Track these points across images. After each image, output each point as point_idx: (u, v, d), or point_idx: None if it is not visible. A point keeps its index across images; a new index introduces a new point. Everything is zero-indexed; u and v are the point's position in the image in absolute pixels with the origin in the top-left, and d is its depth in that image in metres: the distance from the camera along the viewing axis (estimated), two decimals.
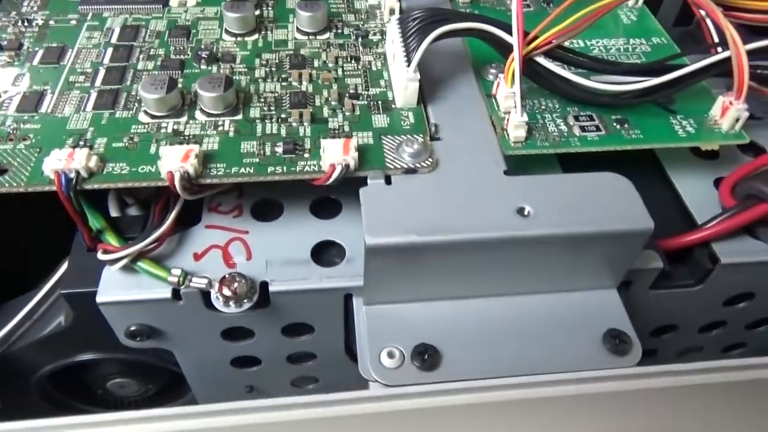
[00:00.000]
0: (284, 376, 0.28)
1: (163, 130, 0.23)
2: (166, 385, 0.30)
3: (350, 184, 0.23)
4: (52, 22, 0.28)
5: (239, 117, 0.24)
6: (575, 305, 0.23)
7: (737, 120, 0.26)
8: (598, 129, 0.25)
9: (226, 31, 0.28)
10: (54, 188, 0.21)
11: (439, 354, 0.22)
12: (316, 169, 0.22)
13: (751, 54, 0.26)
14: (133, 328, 0.23)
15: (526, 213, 0.21)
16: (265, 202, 0.26)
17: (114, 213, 0.25)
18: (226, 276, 0.22)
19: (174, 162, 0.21)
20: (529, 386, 0.21)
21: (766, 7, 0.29)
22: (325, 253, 0.24)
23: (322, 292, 0.23)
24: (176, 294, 0.22)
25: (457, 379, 0.21)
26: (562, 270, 0.23)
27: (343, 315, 0.24)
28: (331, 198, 0.26)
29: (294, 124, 0.24)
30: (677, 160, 0.29)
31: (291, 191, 0.26)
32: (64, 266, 0.24)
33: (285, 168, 0.22)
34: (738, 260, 0.25)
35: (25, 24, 0.28)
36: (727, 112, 0.25)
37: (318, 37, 0.28)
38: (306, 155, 0.23)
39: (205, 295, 0.22)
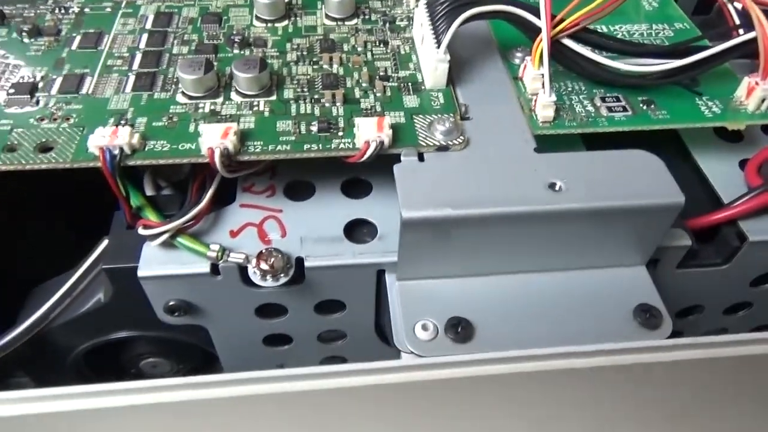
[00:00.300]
0: (314, 355, 0.29)
1: (200, 110, 0.24)
2: (197, 365, 0.31)
3: (380, 165, 0.23)
4: (87, 10, 0.29)
5: (273, 98, 0.24)
6: (605, 281, 0.24)
7: (764, 100, 0.26)
8: (624, 110, 0.26)
9: (257, 18, 0.28)
10: (99, 164, 0.21)
11: (473, 327, 0.22)
12: (351, 146, 0.23)
13: None
14: (171, 303, 0.24)
15: (557, 188, 0.22)
16: (297, 183, 0.26)
17: (149, 193, 0.26)
18: (263, 251, 0.23)
19: (214, 139, 0.21)
20: (562, 357, 0.21)
21: None
22: (357, 231, 0.25)
23: (356, 268, 0.23)
24: (215, 269, 0.23)
25: (490, 351, 0.21)
26: (592, 246, 0.23)
27: (374, 293, 0.25)
28: (360, 179, 0.26)
29: (327, 105, 0.24)
30: (702, 143, 0.29)
31: (322, 172, 0.26)
32: (104, 244, 0.24)
33: (321, 145, 0.23)
34: (766, 238, 0.25)
35: (62, 11, 0.28)
36: (753, 92, 0.26)
37: (346, 23, 0.29)
38: (340, 133, 0.23)
39: (243, 270, 0.23)
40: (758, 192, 0.25)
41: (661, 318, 0.22)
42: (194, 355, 0.29)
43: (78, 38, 0.27)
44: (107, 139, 0.21)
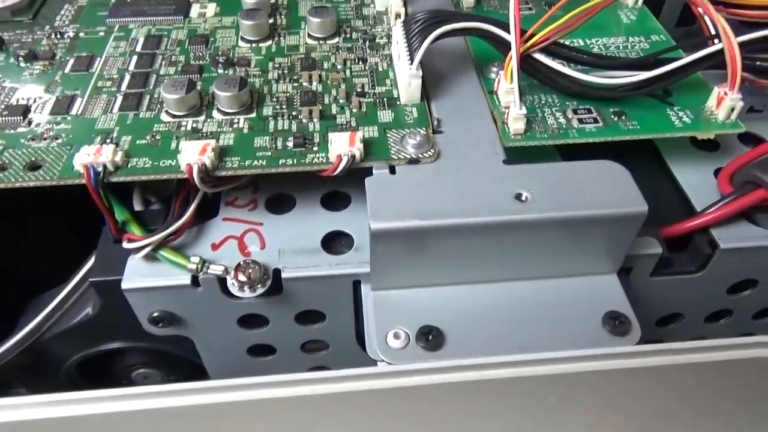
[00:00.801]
0: (299, 365, 0.29)
1: (182, 128, 0.25)
2: (188, 376, 0.32)
3: (359, 178, 0.24)
4: (82, 34, 0.30)
5: (253, 115, 0.25)
6: (575, 290, 0.24)
7: (733, 110, 0.26)
8: (596, 121, 0.26)
9: (242, 38, 0.30)
10: (83, 181, 0.22)
11: (443, 335, 0.23)
12: (325, 160, 0.24)
13: (747, 46, 0.26)
14: (155, 314, 0.25)
15: (523, 198, 0.22)
16: (278, 196, 0.27)
17: (138, 208, 0.27)
18: (241, 263, 0.23)
19: (192, 155, 0.22)
20: (530, 364, 0.21)
21: (763, 2, 0.30)
22: (335, 243, 0.25)
23: (332, 279, 0.24)
24: (195, 280, 0.24)
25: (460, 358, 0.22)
26: (560, 255, 0.24)
27: (353, 303, 0.26)
28: (340, 192, 0.27)
29: (304, 121, 0.25)
30: (678, 153, 0.29)
31: (303, 186, 0.27)
32: (93, 259, 0.25)
33: (295, 160, 0.24)
34: (737, 245, 0.25)
35: (58, 36, 0.30)
36: (723, 102, 0.26)
37: (328, 42, 0.30)
38: (315, 148, 0.24)
39: (222, 281, 0.24)
40: (729, 200, 0.25)
41: (630, 325, 0.23)
42: (183, 366, 0.30)
43: (71, 61, 0.28)
44: (91, 157, 0.22)
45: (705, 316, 0.29)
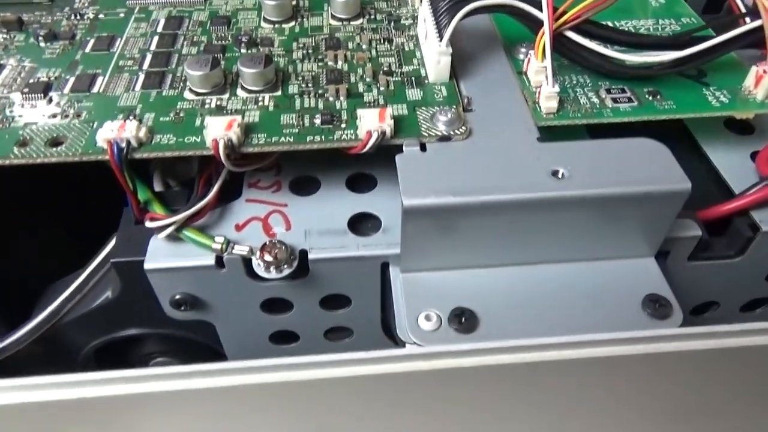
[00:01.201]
0: (322, 353, 0.28)
1: (207, 106, 0.24)
2: None
3: (384, 160, 0.23)
4: (102, 16, 0.30)
5: (278, 93, 0.25)
6: (613, 272, 0.23)
7: None
8: (630, 101, 0.26)
9: (265, 19, 0.29)
10: (107, 157, 0.22)
11: (477, 317, 0.22)
12: (354, 137, 0.23)
13: None
14: (177, 297, 0.24)
15: (560, 175, 0.21)
16: (302, 178, 0.26)
17: (158, 190, 0.26)
18: (267, 243, 0.23)
19: (218, 130, 0.22)
20: (568, 347, 0.21)
21: None
22: (361, 225, 0.25)
23: (360, 260, 0.23)
24: (219, 261, 0.23)
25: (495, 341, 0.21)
26: (598, 236, 0.23)
27: (380, 288, 0.25)
28: (365, 174, 0.26)
29: (331, 99, 0.25)
30: (712, 135, 0.29)
31: (327, 167, 0.26)
32: (113, 241, 0.25)
33: (323, 137, 0.23)
34: None
35: (78, 17, 0.29)
36: (762, 80, 0.25)
37: (352, 23, 0.29)
38: (343, 125, 0.23)
39: (247, 262, 0.23)
40: None
41: (671, 308, 0.22)
42: (204, 353, 0.29)
43: (92, 42, 0.28)
44: (115, 132, 0.22)
45: (741, 305, 0.28)
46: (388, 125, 0.22)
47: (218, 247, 0.23)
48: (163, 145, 0.22)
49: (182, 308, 0.24)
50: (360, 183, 0.26)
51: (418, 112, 0.24)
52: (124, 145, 0.22)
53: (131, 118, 0.23)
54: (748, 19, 0.26)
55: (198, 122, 0.23)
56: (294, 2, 0.30)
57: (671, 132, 0.26)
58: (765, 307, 0.29)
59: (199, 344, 0.28)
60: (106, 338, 0.28)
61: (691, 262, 0.25)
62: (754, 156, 0.27)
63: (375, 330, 0.27)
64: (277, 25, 0.29)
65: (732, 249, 0.25)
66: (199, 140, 0.22)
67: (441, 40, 0.25)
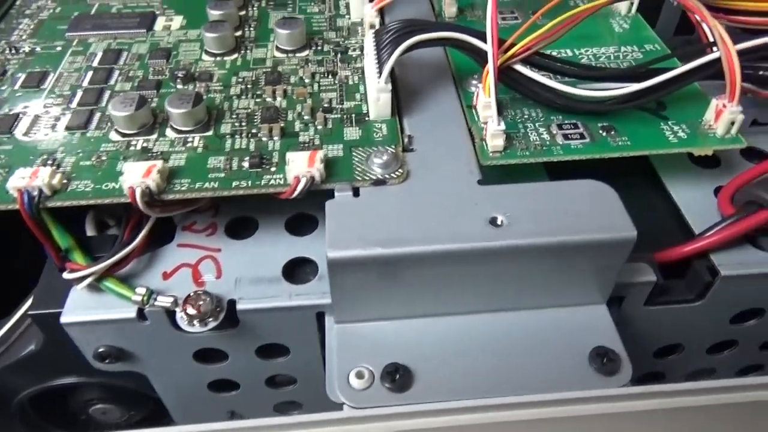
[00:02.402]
0: (265, 401, 0.27)
1: (132, 148, 0.23)
2: (149, 412, 0.29)
3: (324, 199, 0.22)
4: (38, 49, 0.28)
5: (209, 133, 0.24)
6: (558, 322, 0.22)
7: (733, 123, 0.24)
8: (582, 137, 0.24)
9: (206, 52, 0.28)
10: (17, 207, 0.21)
11: (411, 374, 0.20)
12: (282, 182, 0.22)
13: (747, 54, 0.24)
14: (101, 350, 0.23)
15: (499, 222, 0.20)
16: (239, 219, 0.25)
17: (91, 233, 0.25)
18: (191, 294, 0.22)
19: (135, 177, 0.21)
20: (507, 408, 0.19)
21: (765, 8, 0.28)
22: (300, 270, 0.23)
23: (292, 310, 0.22)
24: (141, 313, 0.22)
25: (429, 401, 0.19)
26: (542, 284, 0.21)
27: (318, 336, 0.24)
28: (306, 214, 0.25)
29: (264, 139, 0.23)
30: (675, 170, 0.27)
31: (267, 208, 0.25)
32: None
33: (250, 182, 0.22)
34: (740, 272, 0.23)
35: (12, 51, 0.28)
36: (721, 115, 0.24)
37: (297, 55, 0.28)
38: (272, 168, 0.22)
39: (171, 314, 0.22)
40: (730, 222, 0.23)
41: (619, 363, 0.21)
42: (143, 401, 0.28)
43: (22, 77, 0.27)
44: (26, 180, 0.21)
45: (707, 347, 0.27)
46: (317, 170, 0.21)
47: (139, 298, 0.21)
48: (78, 193, 0.21)
49: (107, 361, 0.23)
50: (302, 223, 0.25)
51: (354, 154, 0.23)
52: (35, 193, 0.21)
53: (50, 163, 0.22)
54: (715, 48, 0.24)
55: (120, 166, 0.22)
56: (239, 33, 0.29)
57: (633, 165, 0.25)
58: (733, 348, 0.27)
59: (136, 392, 0.27)
60: (37, 388, 0.26)
61: (648, 306, 0.24)
62: (717, 191, 0.26)
63: (319, 376, 0.26)
64: (218, 58, 0.28)
65: (691, 293, 0.24)
66: (117, 187, 0.21)
67: (380, 76, 0.23)
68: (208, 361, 0.24)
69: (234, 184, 0.22)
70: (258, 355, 0.24)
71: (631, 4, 0.32)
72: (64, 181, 0.21)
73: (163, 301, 0.21)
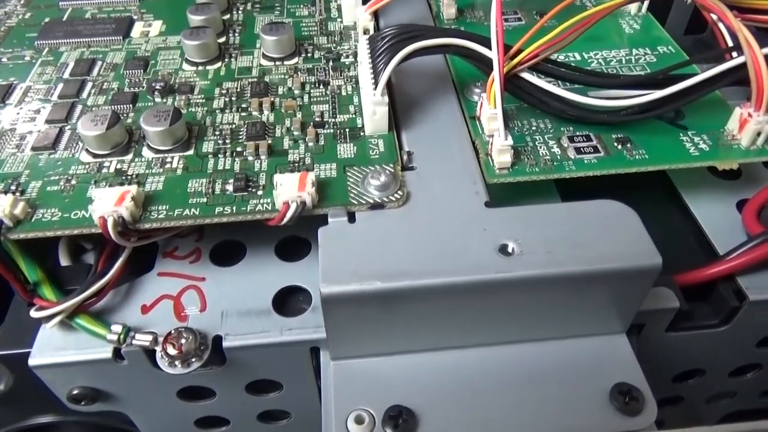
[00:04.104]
0: None
1: (104, 170, 0.21)
2: None
3: (317, 221, 0.20)
4: (5, 59, 0.26)
5: (190, 152, 0.22)
6: (575, 355, 0.20)
7: (759, 134, 0.22)
8: (596, 150, 0.22)
9: (187, 61, 0.26)
10: None
11: (416, 418, 0.18)
12: (270, 207, 0.20)
13: None
14: (75, 392, 0.21)
15: (509, 251, 0.18)
16: (226, 243, 0.23)
17: (65, 262, 0.23)
18: (172, 332, 0.20)
19: (107, 206, 0.19)
20: None
21: None
22: (292, 300, 0.22)
23: (284, 346, 0.20)
24: (118, 353, 0.20)
25: None
26: (557, 315, 0.19)
27: (313, 369, 0.22)
28: (298, 237, 0.23)
29: (250, 158, 0.21)
30: (694, 182, 0.25)
31: (254, 231, 0.23)
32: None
33: (234, 208, 0.20)
34: None
35: None
36: (746, 125, 0.22)
37: (285, 63, 0.26)
38: (259, 192, 0.20)
39: (151, 353, 0.20)
40: (757, 243, 0.21)
41: (643, 402, 0.19)
42: None
43: None
44: None
45: (730, 371, 0.25)
46: (308, 194, 0.19)
47: (114, 337, 0.19)
48: (44, 223, 0.19)
49: (83, 403, 0.21)
50: (292, 247, 0.23)
51: (348, 174, 0.21)
52: None
53: (14, 188, 0.20)
54: (735, 53, 0.23)
55: (90, 192, 0.20)
56: (222, 39, 0.27)
57: (646, 175, 0.23)
58: (757, 371, 0.26)
59: (118, 429, 0.25)
60: (10, 428, 0.24)
61: (670, 333, 0.22)
62: (740, 205, 0.24)
63: (315, 409, 0.24)
64: (200, 67, 0.26)
65: (716, 318, 0.22)
66: (87, 215, 0.19)
67: (376, 88, 0.21)
68: (194, 399, 0.22)
69: (217, 210, 0.20)
70: (248, 391, 0.22)
71: (642, 3, 0.30)
72: (29, 209, 0.19)
73: (142, 340, 0.19)
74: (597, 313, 0.20)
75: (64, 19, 0.29)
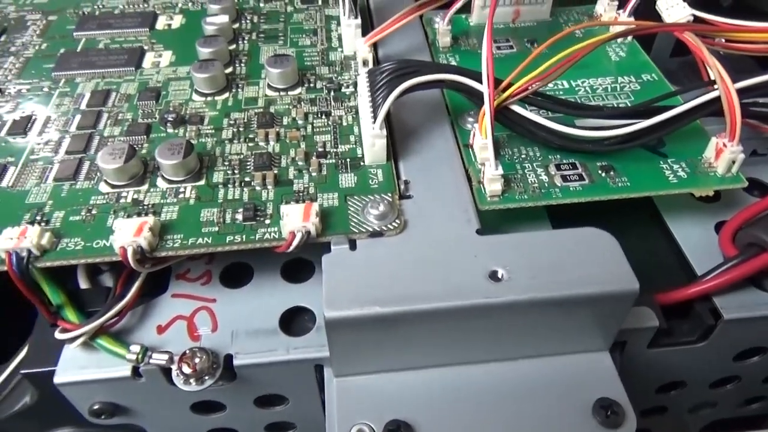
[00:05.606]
0: None
1: (122, 200, 0.22)
2: None
3: (321, 244, 0.22)
4: (24, 90, 0.28)
5: (201, 182, 0.23)
6: (561, 372, 0.21)
7: (733, 162, 0.24)
8: (581, 178, 0.24)
9: (196, 92, 0.27)
10: (5, 269, 0.20)
11: (413, 431, 0.20)
12: (277, 236, 0.21)
13: (748, 92, 0.24)
14: (96, 407, 0.22)
15: (498, 276, 0.20)
16: (235, 266, 0.25)
17: (84, 284, 0.24)
18: (187, 352, 0.21)
19: (126, 236, 0.20)
20: None
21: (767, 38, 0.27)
22: (298, 319, 0.23)
23: (290, 364, 0.22)
24: (136, 372, 0.21)
25: None
26: (543, 334, 0.21)
27: (317, 384, 0.23)
28: (303, 259, 0.25)
29: (257, 188, 0.23)
30: (676, 205, 0.27)
31: (262, 254, 0.25)
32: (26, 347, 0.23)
33: (244, 236, 0.21)
34: (743, 315, 0.23)
35: None
36: (722, 154, 0.24)
37: (289, 93, 0.27)
38: (267, 221, 0.22)
39: (167, 371, 0.21)
40: (732, 265, 0.23)
41: (623, 415, 0.20)
42: None
43: (8, 123, 0.26)
44: (14, 241, 0.20)
45: (710, 383, 0.27)
46: (312, 224, 0.21)
47: (133, 357, 0.21)
48: (69, 252, 0.21)
49: (103, 417, 0.23)
50: (298, 269, 0.24)
51: (349, 203, 0.22)
52: (24, 254, 0.20)
53: (38, 218, 0.22)
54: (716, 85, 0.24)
55: (110, 221, 0.22)
56: (229, 69, 0.29)
57: (633, 200, 0.24)
58: (736, 382, 0.27)
59: None
60: None
61: (651, 349, 0.24)
62: (718, 226, 0.26)
63: (320, 421, 0.25)
64: (209, 98, 0.27)
65: (694, 335, 0.24)
66: (108, 245, 0.21)
67: (375, 122, 0.23)
68: (206, 412, 0.24)
69: (228, 239, 0.21)
70: (256, 404, 0.24)
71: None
72: (54, 239, 0.21)
73: (158, 359, 0.21)
74: (580, 333, 0.21)
75: (78, 49, 0.30)
